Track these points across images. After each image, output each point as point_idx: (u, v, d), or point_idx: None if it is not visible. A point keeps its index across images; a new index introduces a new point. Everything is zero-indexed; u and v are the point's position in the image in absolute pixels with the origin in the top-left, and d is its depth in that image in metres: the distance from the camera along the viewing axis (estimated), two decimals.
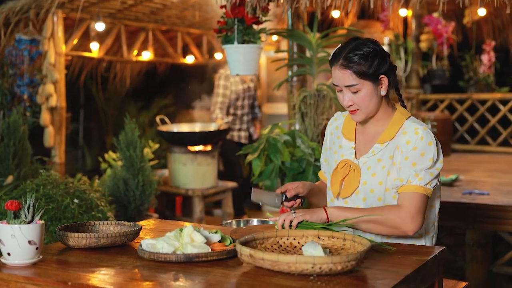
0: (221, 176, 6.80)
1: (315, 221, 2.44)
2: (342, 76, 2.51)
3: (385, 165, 2.56)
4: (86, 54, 6.82)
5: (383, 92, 2.55)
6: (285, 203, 2.65)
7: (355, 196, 2.60)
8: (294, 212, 2.45)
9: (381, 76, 2.51)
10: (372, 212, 2.47)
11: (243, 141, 6.86)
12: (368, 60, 2.48)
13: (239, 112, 6.78)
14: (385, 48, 7.15)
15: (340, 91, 2.56)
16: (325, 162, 2.82)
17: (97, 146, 9.22)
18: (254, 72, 4.02)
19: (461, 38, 8.43)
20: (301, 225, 2.44)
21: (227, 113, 6.80)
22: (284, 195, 2.65)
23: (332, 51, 2.63)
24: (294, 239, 2.31)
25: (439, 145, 2.55)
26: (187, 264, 2.16)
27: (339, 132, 2.74)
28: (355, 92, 2.52)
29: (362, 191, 2.58)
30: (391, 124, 2.59)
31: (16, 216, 2.21)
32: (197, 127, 6.67)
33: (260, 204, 2.59)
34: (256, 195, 2.64)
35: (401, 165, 2.51)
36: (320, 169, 3.03)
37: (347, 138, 2.69)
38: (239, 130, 6.83)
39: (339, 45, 2.57)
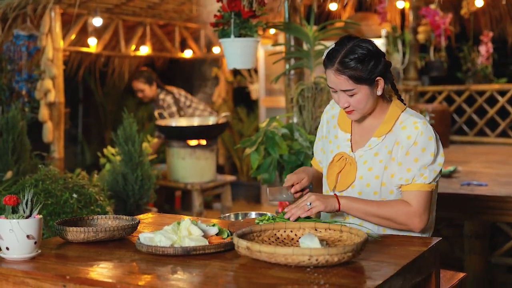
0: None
1: (328, 212, 2.47)
2: (338, 81, 2.48)
3: (382, 159, 2.56)
4: (84, 49, 6.82)
5: (379, 92, 2.54)
6: (294, 196, 2.67)
7: (351, 189, 2.62)
8: (310, 204, 2.46)
9: (377, 78, 2.51)
10: (382, 206, 2.50)
11: None
12: (364, 64, 2.45)
13: None
14: (383, 40, 7.16)
15: (335, 92, 2.55)
16: (321, 151, 2.83)
17: (96, 141, 9.23)
18: (251, 66, 4.02)
19: (458, 29, 8.41)
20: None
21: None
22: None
23: (329, 44, 2.61)
24: (291, 231, 2.33)
25: (438, 138, 2.56)
26: (185, 257, 2.17)
27: (335, 122, 2.75)
28: (351, 95, 2.51)
29: (358, 185, 2.60)
30: (387, 117, 2.59)
31: (15, 211, 2.22)
32: (195, 121, 6.68)
33: (276, 201, 2.59)
34: (272, 195, 2.62)
35: (402, 161, 2.52)
36: (311, 159, 3.03)
37: (343, 130, 2.70)
38: None
39: (332, 46, 2.53)
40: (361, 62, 2.45)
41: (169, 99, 6.84)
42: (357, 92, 2.49)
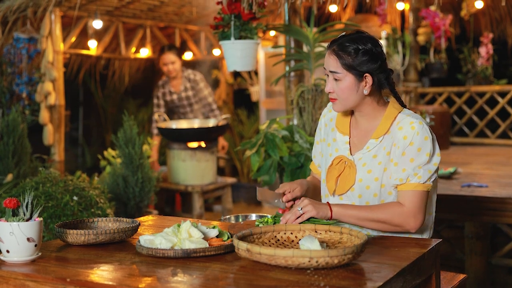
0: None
1: (320, 218, 2.47)
2: (331, 61, 2.56)
3: (381, 161, 2.57)
4: (84, 52, 6.82)
5: (365, 91, 2.56)
6: (286, 204, 2.66)
7: (351, 193, 2.62)
8: (301, 209, 2.46)
9: (366, 74, 2.54)
10: (375, 210, 2.50)
11: None
12: (358, 55, 2.52)
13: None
14: (383, 42, 7.17)
15: (327, 75, 2.60)
16: (320, 155, 2.83)
17: (97, 143, 9.23)
18: (251, 68, 4.03)
19: (458, 31, 8.42)
20: (307, 221, 2.47)
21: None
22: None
23: None
24: (291, 233, 2.33)
25: (435, 138, 2.56)
26: (185, 259, 2.17)
27: (333, 125, 2.76)
28: (337, 81, 2.56)
29: (357, 188, 2.60)
30: (384, 119, 2.60)
31: (15, 213, 2.22)
32: (195, 123, 6.68)
33: (266, 202, 2.60)
34: (261, 195, 2.64)
35: (398, 161, 2.53)
36: (311, 161, 3.03)
37: (341, 132, 2.71)
38: None
39: (344, 32, 2.63)
40: (356, 52, 2.52)
41: (198, 73, 6.84)
42: (342, 79, 2.55)
